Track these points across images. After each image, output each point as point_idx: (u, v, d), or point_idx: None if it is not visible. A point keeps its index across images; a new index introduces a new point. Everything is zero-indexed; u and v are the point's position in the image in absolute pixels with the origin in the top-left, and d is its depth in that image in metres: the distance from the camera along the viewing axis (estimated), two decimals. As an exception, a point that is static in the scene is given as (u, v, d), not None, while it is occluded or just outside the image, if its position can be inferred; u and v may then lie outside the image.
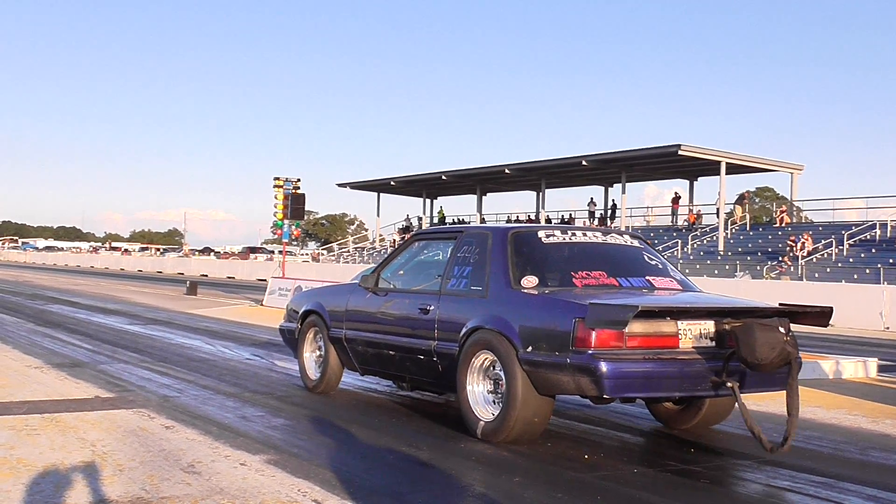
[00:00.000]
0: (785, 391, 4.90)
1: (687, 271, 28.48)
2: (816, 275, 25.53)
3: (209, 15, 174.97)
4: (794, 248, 28.03)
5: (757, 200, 51.32)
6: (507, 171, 39.01)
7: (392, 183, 45.99)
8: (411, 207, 63.16)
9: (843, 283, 22.34)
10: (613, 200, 40.35)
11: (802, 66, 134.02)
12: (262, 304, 19.02)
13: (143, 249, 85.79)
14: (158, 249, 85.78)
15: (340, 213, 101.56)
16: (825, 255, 27.94)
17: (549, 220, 40.50)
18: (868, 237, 28.74)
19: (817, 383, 8.26)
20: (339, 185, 49.05)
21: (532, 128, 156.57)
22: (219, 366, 8.71)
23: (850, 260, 26.97)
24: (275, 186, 21.46)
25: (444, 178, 42.29)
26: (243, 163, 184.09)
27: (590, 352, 4.72)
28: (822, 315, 5.18)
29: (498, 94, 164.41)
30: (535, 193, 43.61)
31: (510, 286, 5.44)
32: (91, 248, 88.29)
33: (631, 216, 39.60)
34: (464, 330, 5.50)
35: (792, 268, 27.08)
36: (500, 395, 5.29)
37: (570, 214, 42.05)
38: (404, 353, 6.11)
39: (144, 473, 4.27)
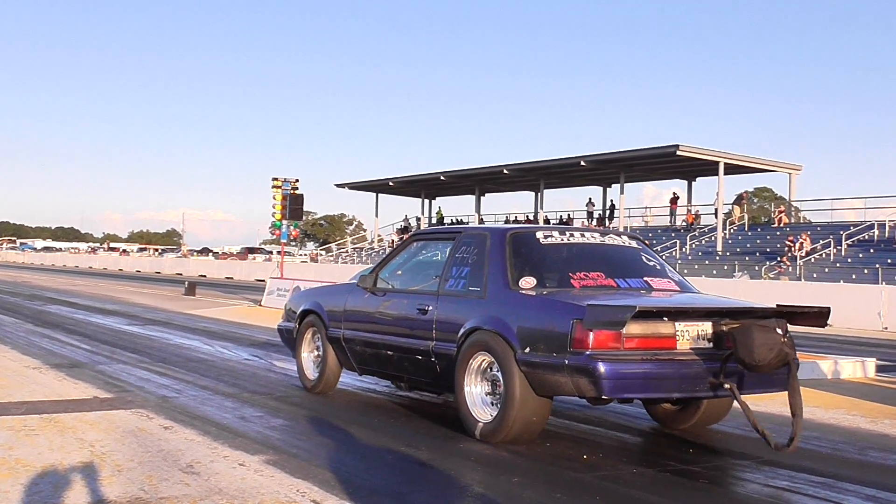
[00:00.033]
0: (784, 392, 4.92)
1: (685, 271, 28.50)
2: (815, 275, 25.55)
3: (209, 15, 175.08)
4: (793, 249, 28.06)
5: (755, 201, 51.37)
6: (505, 171, 39.02)
7: (391, 183, 45.99)
8: (410, 208, 63.28)
9: (842, 284, 22.36)
10: (612, 201, 40.40)
11: (801, 67, 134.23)
12: (260, 305, 19.01)
13: (141, 250, 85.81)
14: (157, 250, 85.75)
15: (339, 214, 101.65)
16: (823, 255, 27.97)
17: (547, 221, 40.50)
18: (866, 237, 28.77)
19: (816, 383, 8.26)
20: (338, 185, 49.06)
21: (531, 128, 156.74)
22: (217, 366, 8.71)
23: (849, 260, 27.00)
24: (273, 187, 21.46)
25: (442, 178, 42.30)
26: (242, 163, 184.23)
27: (587, 353, 4.72)
28: (819, 315, 5.19)
29: (497, 94, 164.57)
30: (533, 194, 43.63)
31: (508, 287, 5.44)
32: (89, 249, 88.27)
33: (629, 216, 39.63)
34: (462, 331, 5.50)
35: (790, 268, 27.09)
36: (498, 397, 5.29)
37: (569, 215, 42.06)
38: (402, 354, 6.11)
39: (143, 474, 4.26)
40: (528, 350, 5.04)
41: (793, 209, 34.51)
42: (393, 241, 45.40)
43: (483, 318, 5.39)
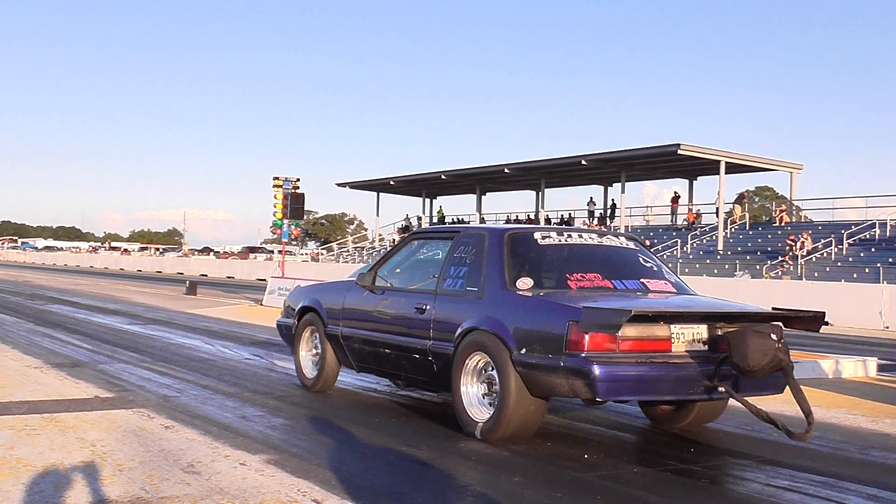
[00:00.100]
0: (778, 394, 4.98)
1: (686, 271, 28.52)
2: (816, 274, 25.53)
3: (209, 15, 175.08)
4: (794, 248, 28.03)
5: (756, 200, 51.32)
6: (506, 170, 39.01)
7: (391, 182, 45.98)
8: (411, 207, 63.19)
9: (843, 283, 22.35)
10: (613, 200, 40.38)
11: (802, 66, 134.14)
12: (261, 304, 19.02)
13: (142, 249, 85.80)
14: (158, 249, 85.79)
15: (340, 213, 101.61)
16: (825, 254, 27.95)
17: (548, 220, 40.50)
18: (867, 236, 28.75)
19: (817, 383, 8.26)
20: (339, 184, 49.06)
21: (531, 127, 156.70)
22: (218, 365, 8.71)
23: (850, 259, 26.98)
24: (274, 186, 21.46)
25: (443, 177, 42.29)
26: (243, 163, 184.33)
27: (583, 355, 4.74)
28: (814, 320, 5.24)
29: (498, 94, 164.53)
30: (534, 193, 43.61)
31: (505, 287, 5.45)
32: (90, 248, 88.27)
33: (630, 216, 39.64)
34: (459, 330, 5.52)
35: (792, 267, 27.08)
36: (494, 396, 5.30)
37: (570, 214, 42.06)
38: (400, 352, 6.13)
39: (144, 473, 4.27)
40: (524, 351, 5.06)
41: (794, 208, 34.49)
42: (394, 240, 45.39)
43: (480, 319, 5.41)
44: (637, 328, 4.82)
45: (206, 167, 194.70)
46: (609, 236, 6.34)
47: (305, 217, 46.69)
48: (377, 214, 49.72)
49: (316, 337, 7.12)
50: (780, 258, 28.14)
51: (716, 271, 28.39)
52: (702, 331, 5.00)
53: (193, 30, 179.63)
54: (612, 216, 39.53)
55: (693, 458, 5.07)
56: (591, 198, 41.75)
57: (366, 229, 72.57)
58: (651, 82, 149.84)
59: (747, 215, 35.00)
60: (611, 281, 5.66)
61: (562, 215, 42.08)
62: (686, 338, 4.95)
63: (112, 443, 4.94)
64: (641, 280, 5.80)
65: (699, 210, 36.85)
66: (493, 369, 5.27)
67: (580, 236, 6.13)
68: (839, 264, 26.58)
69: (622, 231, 35.33)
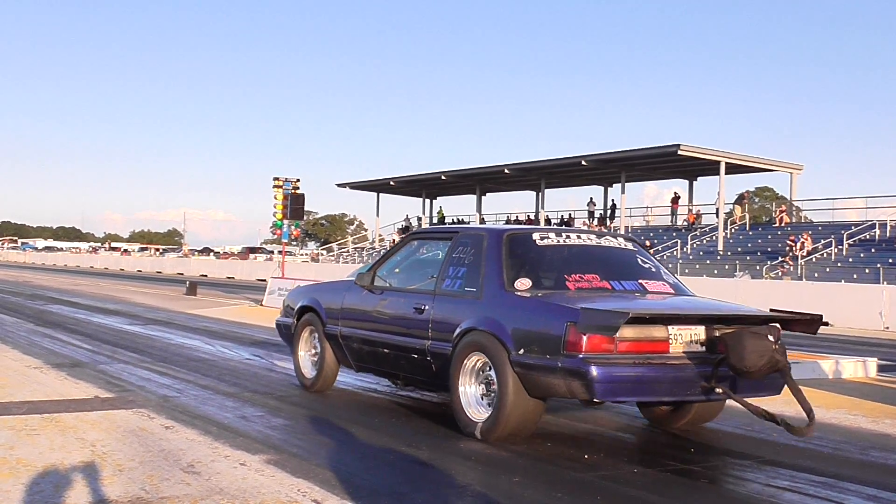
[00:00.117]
0: (776, 395, 5.01)
1: (686, 271, 28.52)
2: (816, 275, 25.53)
3: (209, 15, 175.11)
4: (794, 248, 28.04)
5: (756, 200, 51.34)
6: (506, 171, 39.01)
7: (391, 183, 45.99)
8: (411, 207, 63.19)
9: (843, 283, 22.35)
10: (613, 200, 40.38)
11: (802, 66, 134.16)
12: (261, 304, 19.02)
13: (142, 250, 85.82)
14: (158, 250, 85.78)
15: (340, 214, 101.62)
16: (825, 254, 27.95)
17: (548, 221, 40.51)
18: (867, 237, 28.75)
19: (817, 383, 8.26)
20: (339, 185, 49.07)
21: (532, 128, 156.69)
22: (218, 366, 8.71)
23: (850, 260, 26.98)
24: (274, 186, 21.46)
25: (443, 178, 42.29)
26: (243, 163, 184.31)
27: (581, 356, 4.75)
28: (812, 322, 5.27)
29: (497, 94, 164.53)
30: (534, 193, 43.61)
31: (504, 288, 5.47)
32: (90, 249, 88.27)
33: (630, 216, 39.64)
34: (457, 331, 5.53)
35: (792, 268, 27.08)
36: (492, 397, 5.32)
37: (570, 214, 42.05)
38: (399, 352, 6.14)
39: (144, 473, 4.27)
40: (522, 351, 5.07)
41: (794, 209, 34.49)
42: (394, 240, 45.39)
43: (478, 319, 5.42)
44: (635, 329, 4.83)
45: (206, 167, 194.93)
46: (607, 237, 6.37)
47: (305, 217, 46.71)
48: (377, 215, 49.79)
49: (315, 337, 7.13)
50: (780, 259, 28.14)
51: (716, 272, 28.39)
52: (699, 332, 5.02)
53: (193, 30, 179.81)
54: (613, 217, 39.53)
55: (693, 458, 5.07)
56: (591, 198, 41.79)
57: (366, 230, 72.60)
58: (651, 82, 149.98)
59: (747, 216, 35.01)
60: (609, 282, 5.68)
61: (562, 216, 42.07)
62: (683, 339, 4.97)
63: (112, 443, 4.94)
64: (640, 281, 5.82)
65: (699, 210, 36.85)
66: (491, 370, 5.28)
67: (578, 237, 6.15)
68: (839, 265, 26.58)
69: (622, 231, 35.44)
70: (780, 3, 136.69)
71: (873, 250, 27.23)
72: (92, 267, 58.82)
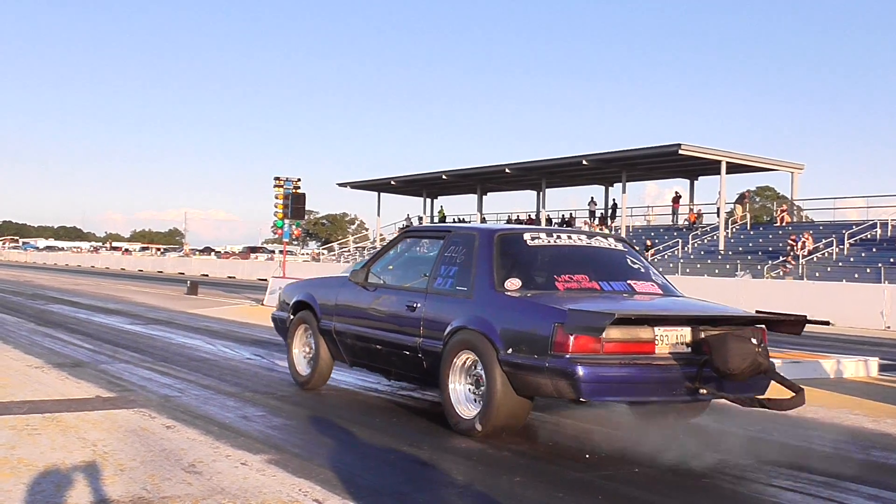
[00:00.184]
0: (762, 395, 5.19)
1: (687, 271, 28.53)
2: (817, 274, 25.52)
3: (209, 15, 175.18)
4: (795, 248, 28.03)
5: (757, 200, 51.30)
6: (507, 170, 39.01)
7: (392, 182, 45.98)
8: (412, 207, 63.25)
9: (844, 283, 22.34)
10: (614, 200, 40.39)
11: (803, 66, 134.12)
12: (262, 304, 19.02)
13: (143, 249, 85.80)
14: (159, 249, 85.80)
15: (341, 213, 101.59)
16: (826, 254, 27.94)
17: (549, 220, 40.52)
18: (869, 236, 28.74)
19: (818, 383, 8.25)
20: (340, 184, 49.07)
21: (532, 127, 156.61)
22: (220, 365, 8.72)
23: (851, 259, 26.97)
24: (275, 186, 21.46)
25: (444, 177, 42.28)
26: (244, 163, 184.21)
27: (567, 356, 4.82)
28: (796, 324, 5.36)
29: (498, 94, 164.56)
30: (535, 193, 43.61)
31: (494, 288, 5.55)
32: (92, 248, 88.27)
33: (631, 215, 39.65)
34: (448, 329, 5.61)
35: (793, 267, 27.07)
36: (480, 394, 5.39)
37: (571, 214, 42.06)
38: (391, 348, 6.22)
39: (145, 473, 4.27)
40: (510, 351, 5.14)
41: (795, 208, 34.48)
42: (394, 240, 45.34)
43: (468, 318, 5.49)
44: (621, 330, 4.90)
45: (207, 167, 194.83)
46: (598, 237, 6.45)
47: (306, 217, 46.71)
48: (378, 214, 49.75)
49: (310, 334, 7.21)
50: (781, 258, 28.14)
51: (717, 271, 28.38)
52: (685, 333, 5.09)
53: (194, 30, 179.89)
54: (613, 216, 39.53)
55: (694, 457, 5.07)
56: (592, 198, 41.80)
57: (367, 229, 72.59)
58: (652, 82, 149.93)
59: (748, 215, 34.99)
60: (598, 282, 5.76)
61: (563, 215, 42.09)
62: (669, 340, 5.04)
63: (113, 442, 4.94)
64: (628, 281, 5.90)
65: (700, 210, 36.85)
66: (480, 368, 5.37)
67: (569, 237, 6.21)
68: (840, 264, 26.57)
69: (624, 231, 35.47)
70: (780, 3, 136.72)
71: (874, 250, 27.22)
72: (93, 266, 58.85)
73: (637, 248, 6.64)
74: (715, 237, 32.87)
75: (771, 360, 5.13)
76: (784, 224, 32.61)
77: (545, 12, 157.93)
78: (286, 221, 21.70)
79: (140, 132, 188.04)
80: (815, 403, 7.13)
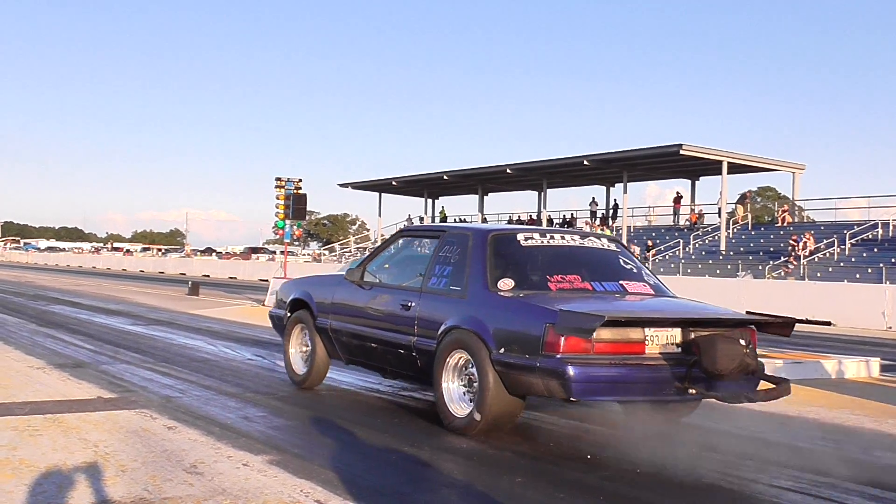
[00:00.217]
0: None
1: (689, 271, 28.53)
2: (818, 274, 25.52)
3: (210, 15, 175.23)
4: (796, 248, 28.02)
5: (759, 200, 51.30)
6: (508, 170, 39.01)
7: (393, 183, 46.01)
8: (413, 207, 63.31)
9: (846, 283, 22.33)
10: (615, 200, 40.39)
11: (803, 66, 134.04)
12: (263, 305, 19.02)
13: (144, 250, 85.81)
14: (160, 250, 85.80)
15: (342, 214, 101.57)
16: (827, 254, 27.94)
17: (550, 221, 40.53)
18: (870, 237, 28.73)
19: (820, 383, 8.25)
20: (341, 185, 49.10)
21: (533, 128, 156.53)
22: (221, 366, 8.72)
23: (853, 259, 26.96)
24: (276, 187, 21.46)
25: (445, 177, 42.30)
26: (245, 163, 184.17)
27: (558, 356, 4.87)
28: (785, 325, 5.45)
29: (498, 94, 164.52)
30: (536, 193, 43.62)
31: (487, 288, 5.60)
32: (93, 249, 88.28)
33: (633, 216, 39.65)
34: (441, 328, 5.66)
35: (794, 268, 27.06)
36: (473, 393, 5.44)
37: (572, 214, 42.06)
38: (386, 347, 6.27)
39: (147, 474, 4.27)
40: (502, 350, 5.19)
41: (796, 209, 34.48)
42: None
43: (462, 318, 5.54)
44: (611, 331, 4.95)
45: (208, 168, 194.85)
46: (591, 238, 6.49)
47: (307, 218, 46.73)
48: (379, 215, 49.78)
49: (306, 333, 7.25)
50: (782, 259, 28.14)
51: (718, 272, 28.38)
52: (675, 334, 5.14)
53: (194, 30, 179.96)
54: (615, 216, 39.54)
55: (695, 458, 5.07)
56: (594, 198, 41.80)
57: (368, 230, 72.60)
58: (653, 82, 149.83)
59: (749, 215, 35.00)
60: (590, 283, 5.80)
61: (564, 215, 42.10)
62: (659, 341, 5.09)
63: (115, 443, 4.95)
64: (620, 282, 5.94)
65: (701, 210, 36.87)
66: (473, 367, 5.42)
67: (562, 238, 6.26)
68: (842, 265, 26.56)
69: (624, 231, 35.46)
70: (780, 3, 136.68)
71: (876, 250, 27.22)
72: (94, 267, 58.88)
73: (630, 249, 6.70)
74: (716, 237, 32.87)
75: (759, 360, 5.21)
76: (785, 224, 32.61)
77: (545, 12, 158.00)
78: (287, 222, 21.71)
79: (140, 132, 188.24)
80: (817, 404, 7.13)
